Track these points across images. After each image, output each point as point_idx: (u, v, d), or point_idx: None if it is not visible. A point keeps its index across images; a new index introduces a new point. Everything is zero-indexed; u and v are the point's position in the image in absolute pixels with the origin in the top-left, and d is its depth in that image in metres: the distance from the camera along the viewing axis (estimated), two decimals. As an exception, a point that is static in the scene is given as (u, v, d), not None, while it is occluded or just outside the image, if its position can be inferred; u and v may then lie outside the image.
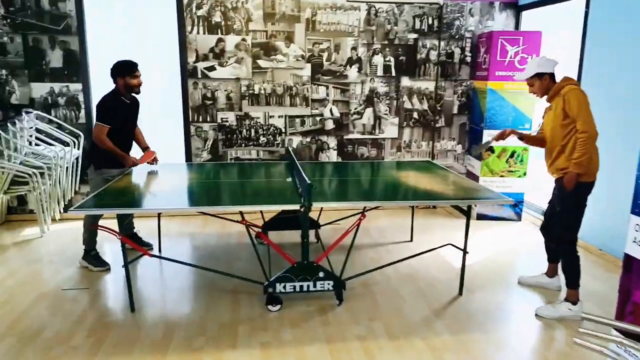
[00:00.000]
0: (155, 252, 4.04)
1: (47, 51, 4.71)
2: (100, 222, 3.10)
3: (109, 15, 4.99)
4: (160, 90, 5.41)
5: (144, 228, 4.29)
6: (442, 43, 5.26)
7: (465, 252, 3.29)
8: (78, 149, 4.84)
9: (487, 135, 4.98)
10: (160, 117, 5.38)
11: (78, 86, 4.83)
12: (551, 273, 3.44)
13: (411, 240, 4.43)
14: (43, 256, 3.95)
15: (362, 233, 4.50)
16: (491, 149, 5.01)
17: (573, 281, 3.05)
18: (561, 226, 3.07)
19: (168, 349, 2.65)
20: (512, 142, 4.92)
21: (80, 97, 4.85)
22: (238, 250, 4.14)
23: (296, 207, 2.90)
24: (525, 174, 5.07)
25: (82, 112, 4.87)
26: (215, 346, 2.69)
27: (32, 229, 4.57)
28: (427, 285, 3.48)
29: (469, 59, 5.32)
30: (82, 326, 2.87)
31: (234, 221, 3.52)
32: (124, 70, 3.56)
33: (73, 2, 4.65)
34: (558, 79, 3.03)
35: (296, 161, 3.63)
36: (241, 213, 3.02)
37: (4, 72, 4.67)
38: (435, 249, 3.47)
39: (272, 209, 2.96)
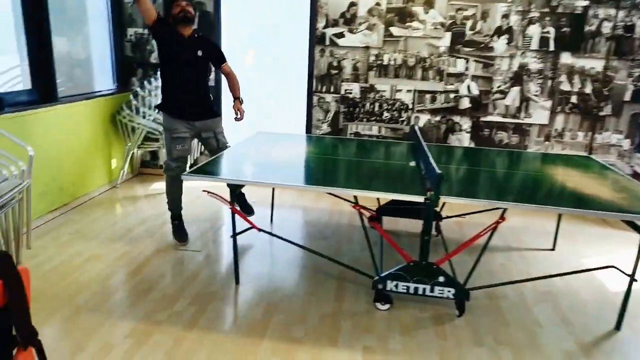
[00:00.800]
0: (267, 224, 3.94)
1: (184, 12, 4.78)
2: (207, 187, 3.01)
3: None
4: (288, 56, 5.25)
5: (256, 195, 4.21)
6: (621, 13, 4.24)
7: (633, 279, 2.58)
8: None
9: (671, 130, 3.95)
10: (284, 85, 5.24)
11: (210, 49, 4.86)
12: None
13: (553, 249, 3.72)
14: (166, 212, 4.08)
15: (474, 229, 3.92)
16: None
17: None
18: None
19: (265, 334, 2.47)
20: None
21: (211, 60, 4.88)
22: (350, 232, 3.86)
23: (420, 199, 2.47)
24: None
25: (212, 74, 4.91)
26: (315, 340, 2.44)
27: (162, 183, 4.79)
28: (572, 311, 2.83)
29: (656, 33, 4.24)
30: (187, 292, 2.84)
31: (347, 201, 3.21)
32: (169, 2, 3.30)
33: (211, -38, 4.63)
34: None
35: (423, 143, 3.17)
36: (355, 197, 2.69)
37: (145, 31, 4.86)
38: (591, 270, 2.79)
39: (390, 197, 2.58)
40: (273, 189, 4.02)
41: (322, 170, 3.02)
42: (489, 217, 4.12)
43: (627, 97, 4.42)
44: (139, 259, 3.23)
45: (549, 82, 4.49)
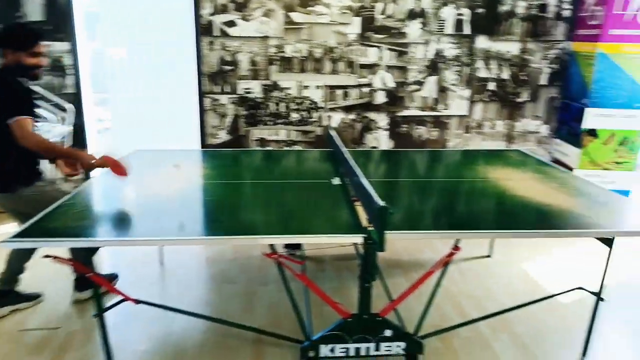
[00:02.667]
0: (153, 275, 3.08)
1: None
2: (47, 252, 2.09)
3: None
4: (170, 50, 4.34)
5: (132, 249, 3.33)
6: (533, -9, 3.98)
7: (599, 298, 2.19)
8: (68, 125, 3.87)
9: (591, 115, 3.76)
10: (170, 87, 4.34)
11: (64, 46, 3.81)
12: None
13: (489, 256, 3.34)
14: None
15: (425, 244, 3.44)
16: (594, 134, 3.84)
17: None
18: None
19: None
20: (622, 124, 3.76)
21: (68, 60, 3.83)
22: (263, 268, 3.14)
23: (356, 239, 1.84)
24: (634, 166, 3.87)
25: (70, 78, 3.86)
26: None
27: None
28: (532, 340, 2.41)
29: (567, 14, 4.03)
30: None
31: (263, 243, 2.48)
32: (20, 44, 2.25)
33: None
34: None
35: (348, 155, 2.55)
36: (272, 246, 1.99)
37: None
38: (557, 295, 2.37)
39: (319, 241, 1.91)
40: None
41: (222, 208, 2.23)
42: (420, 240, 3.66)
43: (543, 81, 4.20)
44: (-36, 354, 2.24)
45: (467, 69, 4.12)
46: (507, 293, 2.85)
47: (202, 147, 4.06)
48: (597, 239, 2.10)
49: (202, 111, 4.04)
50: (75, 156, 2.32)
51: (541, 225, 2.05)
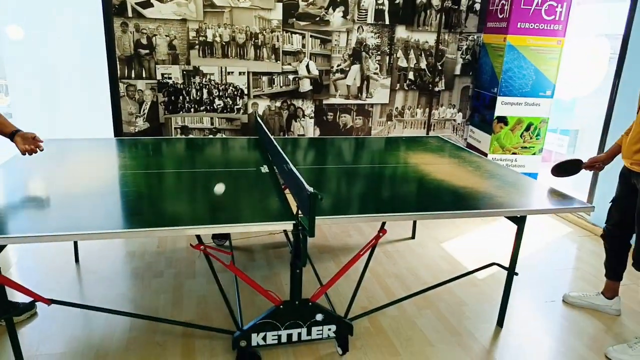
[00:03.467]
0: (69, 270, 2.87)
1: None
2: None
3: None
4: (78, 34, 4.01)
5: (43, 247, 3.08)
6: (448, -16, 4.17)
7: (513, 273, 2.38)
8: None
9: (501, 103, 4.04)
10: (78, 72, 4.00)
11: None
12: (611, 294, 2.63)
13: (413, 238, 3.50)
14: None
15: (351, 227, 3.52)
16: (504, 121, 4.13)
17: None
18: None
19: None
20: (528, 112, 4.08)
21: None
22: (189, 259, 3.04)
23: (287, 226, 1.83)
24: (541, 150, 4.23)
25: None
26: None
27: None
28: (453, 314, 2.56)
29: (478, 7, 4.27)
30: None
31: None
32: None
33: None
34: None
35: (275, 143, 2.52)
36: (198, 237, 1.92)
37: None
38: (475, 271, 2.52)
39: (249, 230, 1.87)
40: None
41: (145, 197, 2.11)
42: (348, 225, 3.73)
43: (457, 71, 4.43)
44: None
45: (387, 58, 4.24)
46: (429, 272, 3.01)
47: (117, 136, 3.81)
48: (508, 218, 2.27)
49: (117, 97, 3.78)
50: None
51: (459, 205, 2.18)
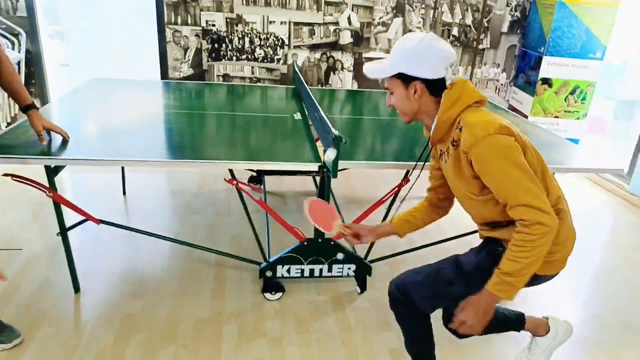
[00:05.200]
0: (117, 201, 3.13)
1: None
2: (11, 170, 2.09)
3: None
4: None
5: (93, 178, 3.35)
6: None
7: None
8: (19, 51, 3.70)
9: (547, 63, 3.91)
10: (127, 17, 4.15)
11: (12, -36, 3.57)
12: None
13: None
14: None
15: (377, 181, 3.61)
16: (549, 83, 4.01)
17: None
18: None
19: (120, 367, 1.83)
20: (575, 74, 3.93)
21: (17, -20, 3.61)
22: (227, 199, 3.24)
23: (314, 167, 1.95)
24: (585, 115, 4.10)
25: (21, 1, 3.65)
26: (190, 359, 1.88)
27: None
28: (473, 267, 2.64)
29: (532, -40, 4.07)
30: (6, 312, 2.02)
31: (222, 166, 2.55)
32: None
33: None
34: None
35: (310, 94, 2.60)
36: (231, 171, 2.06)
37: None
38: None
39: (277, 168, 2.00)
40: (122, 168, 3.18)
41: (186, 133, 2.27)
42: (370, 170, 3.79)
43: (505, 28, 4.29)
44: None
45: (431, 13, 4.15)
46: (454, 226, 3.07)
47: (163, 79, 3.99)
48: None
49: (163, 43, 3.93)
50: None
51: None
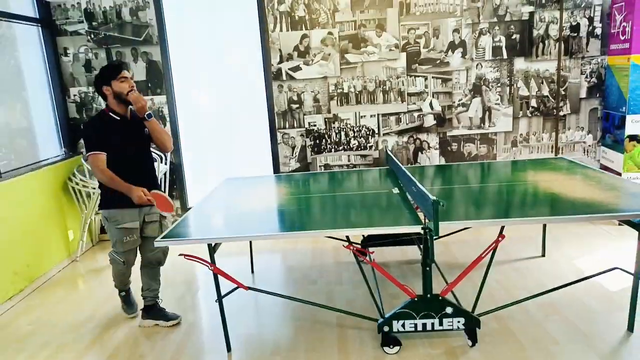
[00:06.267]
0: (247, 278, 3.68)
1: (130, 64, 4.55)
2: (182, 250, 2.73)
3: (189, 22, 4.73)
4: (245, 96, 5.07)
5: (230, 246, 3.96)
6: (565, 14, 4.37)
7: (637, 276, 2.51)
8: (165, 164, 4.65)
9: (631, 121, 4.04)
10: (245, 125, 5.05)
11: (162, 98, 4.64)
12: None
13: (543, 255, 3.65)
14: (137, 278, 3.74)
15: (475, 247, 3.82)
16: (637, 139, 4.10)
17: None
18: None
19: (271, 407, 2.21)
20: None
21: (165, 110, 4.65)
22: (337, 271, 3.65)
23: (417, 229, 2.32)
24: (683, 166, 4.06)
25: (168, 124, 4.66)
26: (327, 404, 2.20)
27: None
28: (581, 320, 2.73)
29: (599, 31, 4.38)
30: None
31: (338, 239, 3.02)
32: (108, 75, 2.74)
33: (153, 10, 4.44)
34: None
35: (403, 168, 3.05)
36: (348, 238, 2.51)
37: (90, 89, 4.59)
38: (599, 274, 2.69)
39: (386, 232, 2.41)
40: (250, 244, 3.80)
41: (304, 212, 2.81)
42: (472, 234, 4.05)
43: (583, 94, 4.52)
44: (112, 342, 2.88)
45: (508, 89, 4.53)
46: (555, 280, 3.17)
47: (276, 173, 4.70)
48: (627, 223, 2.45)
49: (275, 144, 4.70)
50: (128, 191, 2.71)
51: (568, 211, 2.43)
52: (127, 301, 3.22)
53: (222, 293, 2.61)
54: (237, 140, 5.01)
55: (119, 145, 2.79)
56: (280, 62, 4.52)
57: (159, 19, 4.47)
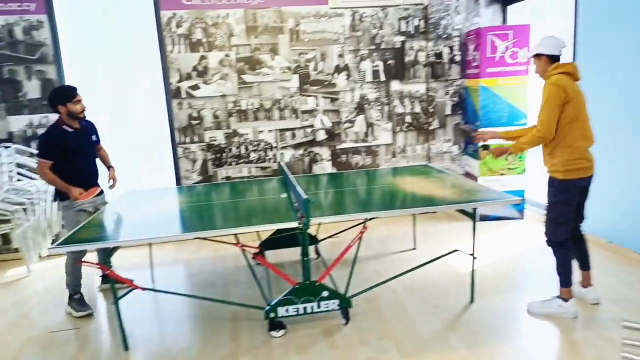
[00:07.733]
0: (148, 282, 3.86)
1: (23, 82, 4.55)
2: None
3: (87, 42, 4.84)
4: (146, 113, 5.24)
5: (133, 257, 4.11)
6: (430, 44, 5.15)
7: (474, 257, 3.14)
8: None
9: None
10: (147, 141, 5.21)
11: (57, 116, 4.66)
12: (585, 282, 3.11)
13: (414, 249, 4.27)
14: (30, 296, 3.75)
15: (362, 245, 4.34)
16: (486, 147, 4.91)
17: (564, 278, 2.91)
18: (548, 222, 2.92)
19: (167, 389, 2.46)
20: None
21: (62, 127, 4.68)
22: (236, 274, 3.96)
23: (294, 224, 2.74)
24: (524, 170, 4.94)
25: (65, 141, 4.69)
26: (218, 382, 2.50)
27: (19, 269, 4.37)
28: (436, 296, 3.31)
29: (458, 58, 5.21)
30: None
31: (228, 243, 3.35)
32: (63, 97, 3.24)
33: (48, 29, 4.50)
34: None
35: (289, 175, 3.48)
36: (235, 235, 2.85)
37: (-20, 106, 4.51)
38: (442, 256, 3.31)
39: (267, 229, 2.79)
40: (150, 246, 3.98)
41: (199, 217, 3.11)
42: (356, 233, 4.60)
43: (448, 111, 5.31)
44: (7, 352, 2.94)
45: (386, 107, 5.19)
46: (414, 258, 3.76)
47: (178, 185, 4.91)
48: (463, 213, 3.06)
49: (176, 158, 4.92)
50: (67, 190, 3.23)
51: (416, 205, 3.01)
52: (81, 302, 3.40)
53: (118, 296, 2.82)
54: (139, 156, 5.17)
55: (72, 151, 3.28)
56: (180, 80, 4.79)
57: (54, 38, 4.53)
